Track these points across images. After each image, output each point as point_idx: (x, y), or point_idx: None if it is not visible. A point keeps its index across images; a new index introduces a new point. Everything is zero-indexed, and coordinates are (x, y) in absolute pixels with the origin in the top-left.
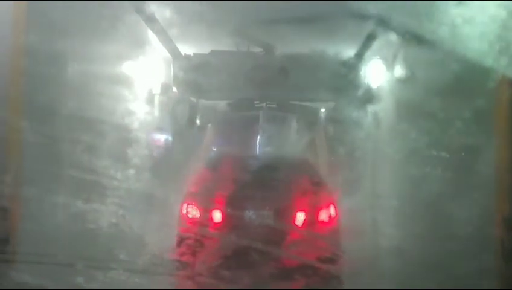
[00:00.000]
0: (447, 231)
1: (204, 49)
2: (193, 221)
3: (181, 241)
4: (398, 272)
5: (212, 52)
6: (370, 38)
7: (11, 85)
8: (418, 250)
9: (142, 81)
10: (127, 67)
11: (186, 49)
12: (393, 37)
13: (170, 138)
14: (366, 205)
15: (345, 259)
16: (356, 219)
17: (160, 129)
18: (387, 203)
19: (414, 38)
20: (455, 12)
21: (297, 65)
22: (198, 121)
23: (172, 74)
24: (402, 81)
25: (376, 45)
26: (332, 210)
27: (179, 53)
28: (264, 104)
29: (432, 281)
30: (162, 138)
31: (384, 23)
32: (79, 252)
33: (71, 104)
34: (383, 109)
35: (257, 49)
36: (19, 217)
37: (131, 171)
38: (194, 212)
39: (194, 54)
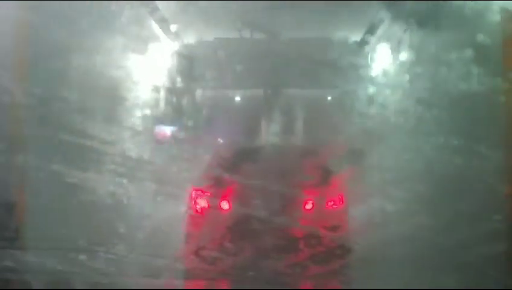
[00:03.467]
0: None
1: (208, 37)
2: (202, 209)
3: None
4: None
5: (216, 40)
6: (376, 23)
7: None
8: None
9: (146, 72)
10: (130, 59)
11: (189, 38)
12: (399, 21)
13: (177, 130)
14: (375, 194)
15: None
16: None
17: (165, 121)
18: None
19: (421, 22)
20: None
21: (302, 51)
22: (203, 111)
23: (175, 63)
24: (409, 66)
25: (382, 29)
26: (340, 199)
27: (181, 42)
28: (269, 92)
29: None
30: (168, 130)
31: (390, 7)
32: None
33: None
34: (389, 94)
35: (261, 36)
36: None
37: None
38: (202, 202)
39: (196, 42)
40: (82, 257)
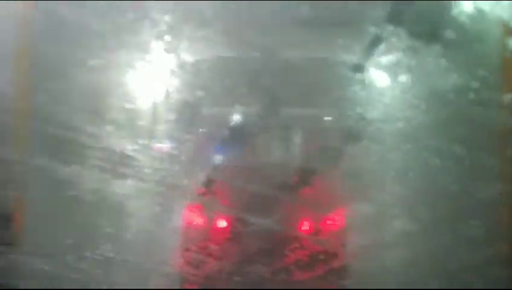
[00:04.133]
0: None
1: (206, 55)
2: (197, 226)
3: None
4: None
5: (214, 58)
6: (374, 43)
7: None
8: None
9: (144, 89)
10: (129, 75)
11: (186, 56)
12: (398, 41)
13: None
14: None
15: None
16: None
17: (163, 137)
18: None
19: (421, 41)
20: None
21: (300, 71)
22: (201, 129)
23: (174, 81)
24: (407, 87)
25: (380, 49)
26: (338, 218)
27: (181, 59)
28: (267, 111)
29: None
30: (165, 147)
31: (388, 26)
32: None
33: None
34: (389, 115)
35: (259, 54)
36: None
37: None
38: (197, 219)
39: (195, 60)
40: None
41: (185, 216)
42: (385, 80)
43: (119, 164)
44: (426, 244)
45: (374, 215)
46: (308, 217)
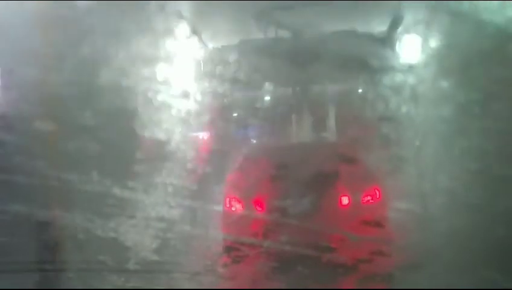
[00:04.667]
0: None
1: (232, 40)
2: (237, 214)
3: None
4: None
5: (241, 42)
6: (402, 13)
7: None
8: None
9: (173, 79)
10: (157, 66)
11: (214, 42)
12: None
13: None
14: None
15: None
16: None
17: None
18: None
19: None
20: None
21: (328, 47)
22: (234, 114)
23: (202, 69)
24: (438, 57)
25: (408, 19)
26: (376, 193)
27: (207, 47)
28: (298, 90)
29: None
30: (202, 135)
31: None
32: None
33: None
34: (417, 85)
35: (285, 34)
36: None
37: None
38: (237, 205)
39: (222, 46)
40: None
41: (225, 203)
42: (415, 51)
43: (156, 154)
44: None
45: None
46: (347, 193)
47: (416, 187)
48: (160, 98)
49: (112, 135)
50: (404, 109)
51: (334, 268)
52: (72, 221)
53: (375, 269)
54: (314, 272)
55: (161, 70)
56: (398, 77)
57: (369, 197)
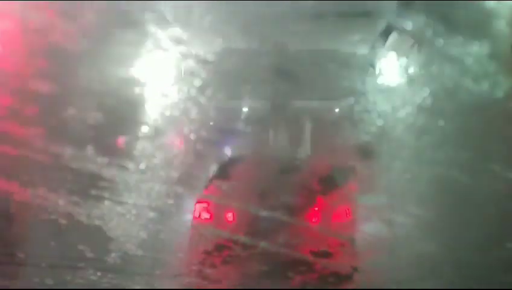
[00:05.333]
0: None
1: (215, 48)
2: (205, 223)
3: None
4: None
5: (223, 50)
6: (384, 34)
7: None
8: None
9: (152, 84)
10: (136, 70)
11: (196, 48)
12: (408, 32)
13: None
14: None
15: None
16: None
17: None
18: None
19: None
20: None
21: (311, 64)
22: (211, 123)
23: (182, 75)
24: (418, 79)
25: (390, 42)
26: (347, 212)
27: (188, 52)
28: (276, 104)
29: None
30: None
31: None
32: None
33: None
34: (398, 106)
35: (269, 47)
36: None
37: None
38: (206, 215)
39: (204, 53)
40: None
41: (195, 211)
42: (397, 73)
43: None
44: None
45: (384, 210)
46: (318, 209)
47: (386, 209)
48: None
49: None
50: (381, 132)
51: (327, 276)
52: (55, 203)
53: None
54: (304, 279)
55: (140, 74)
56: (378, 99)
57: (339, 216)
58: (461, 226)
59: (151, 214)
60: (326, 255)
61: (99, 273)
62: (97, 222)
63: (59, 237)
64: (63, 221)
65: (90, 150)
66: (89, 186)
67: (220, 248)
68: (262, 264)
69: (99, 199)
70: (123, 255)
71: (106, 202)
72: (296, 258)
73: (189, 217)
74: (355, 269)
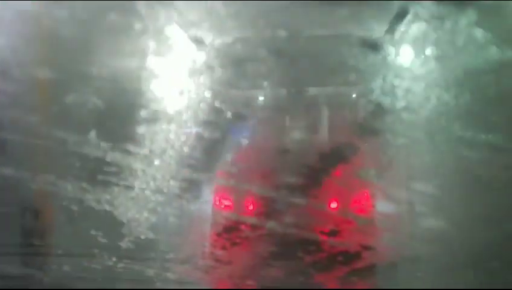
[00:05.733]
0: None
1: (228, 38)
2: (226, 212)
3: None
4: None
5: (236, 40)
6: (399, 17)
7: None
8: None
9: (165, 76)
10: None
11: (208, 37)
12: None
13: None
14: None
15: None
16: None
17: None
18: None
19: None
20: None
21: (325, 50)
22: (227, 112)
23: (194, 64)
24: (433, 62)
25: (405, 25)
26: (366, 198)
27: (202, 42)
28: (292, 92)
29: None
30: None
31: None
32: None
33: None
34: (413, 90)
35: (282, 34)
36: None
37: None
38: (226, 203)
39: (217, 43)
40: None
41: (214, 201)
42: (410, 56)
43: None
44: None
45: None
46: (336, 197)
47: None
48: (152, 91)
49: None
50: (398, 115)
51: (335, 255)
52: (65, 190)
53: (379, 258)
54: (314, 259)
55: (152, 64)
56: (394, 83)
57: (358, 202)
58: (470, 202)
59: (161, 198)
60: (335, 234)
61: (114, 259)
62: (107, 207)
63: (71, 224)
64: (74, 207)
65: (95, 135)
66: (97, 171)
67: (229, 229)
68: (271, 245)
69: (108, 184)
70: (135, 240)
71: (115, 187)
72: (305, 237)
73: (202, 201)
74: (364, 247)
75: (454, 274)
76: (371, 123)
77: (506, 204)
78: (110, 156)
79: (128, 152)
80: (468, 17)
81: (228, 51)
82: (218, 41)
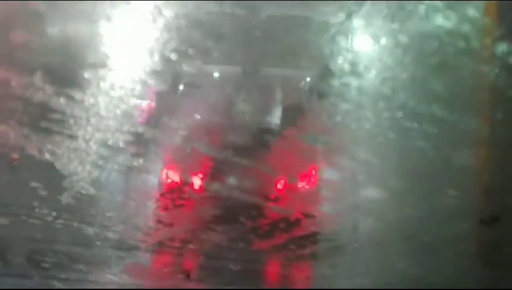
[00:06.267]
0: None
1: (186, 10)
2: (173, 186)
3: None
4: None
5: (194, 11)
6: (359, 3)
7: None
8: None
9: (119, 46)
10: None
11: (167, 9)
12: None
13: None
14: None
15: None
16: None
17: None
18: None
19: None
20: None
21: (283, 31)
22: (181, 86)
23: (151, 35)
24: (391, 50)
25: (364, 12)
26: (313, 175)
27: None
28: (248, 70)
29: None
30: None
31: None
32: None
33: None
34: (370, 77)
35: (241, 11)
36: None
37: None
38: (174, 177)
39: (175, 14)
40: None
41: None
42: (371, 42)
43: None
44: (398, 213)
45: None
46: (284, 175)
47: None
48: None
49: None
50: (351, 99)
51: (277, 222)
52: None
53: (319, 227)
54: (255, 225)
55: (108, 33)
56: (349, 69)
57: (306, 179)
58: (410, 174)
59: (105, 152)
60: (277, 200)
61: (53, 214)
62: (49, 157)
63: (11, 174)
64: (14, 155)
65: (39, 78)
66: (40, 117)
67: (172, 190)
68: (214, 208)
69: (51, 132)
70: (76, 195)
71: (58, 136)
72: (248, 202)
73: (146, 158)
74: (306, 215)
75: (390, 245)
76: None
77: (445, 176)
78: (55, 102)
79: (74, 99)
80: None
81: (185, 25)
82: (175, 14)
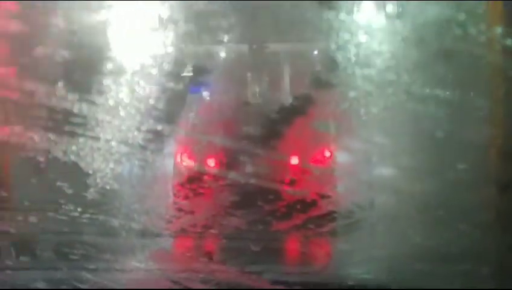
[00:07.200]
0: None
1: None
2: (188, 169)
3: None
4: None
5: None
6: None
7: None
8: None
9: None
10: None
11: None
12: None
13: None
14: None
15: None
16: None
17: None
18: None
19: None
20: None
21: (286, 5)
22: (188, 67)
23: (157, 20)
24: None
25: None
26: (326, 153)
27: None
28: (255, 48)
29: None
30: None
31: None
32: None
33: None
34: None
35: None
36: None
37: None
38: (188, 160)
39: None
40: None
41: (176, 158)
42: (375, 15)
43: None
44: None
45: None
46: (295, 148)
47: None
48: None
49: None
50: (359, 73)
51: (294, 204)
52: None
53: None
54: (273, 208)
55: (117, 18)
56: (356, 42)
57: (318, 158)
58: (420, 154)
59: (126, 149)
60: (293, 183)
61: (79, 209)
62: (73, 158)
63: (38, 176)
64: (40, 158)
65: (62, 86)
66: (64, 122)
67: (192, 180)
68: (233, 194)
69: (74, 135)
70: (100, 191)
71: (81, 138)
72: (265, 187)
73: (166, 152)
74: (321, 195)
75: (405, 219)
76: (328, 79)
77: (452, 155)
78: (77, 107)
79: (94, 103)
80: None
81: (189, 7)
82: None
